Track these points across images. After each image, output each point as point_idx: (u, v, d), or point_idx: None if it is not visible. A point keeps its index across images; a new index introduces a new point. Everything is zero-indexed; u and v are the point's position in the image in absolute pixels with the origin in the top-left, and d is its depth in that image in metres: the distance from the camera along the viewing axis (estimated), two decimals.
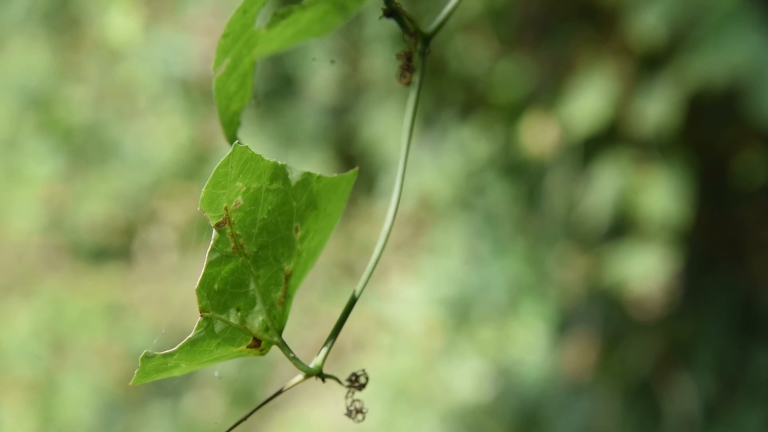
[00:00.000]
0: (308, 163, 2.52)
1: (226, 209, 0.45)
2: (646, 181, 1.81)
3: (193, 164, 2.87)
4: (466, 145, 2.39)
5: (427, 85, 2.35)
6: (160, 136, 2.88)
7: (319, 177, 0.51)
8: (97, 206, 2.83)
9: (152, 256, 2.92)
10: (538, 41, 2.00)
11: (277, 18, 0.57)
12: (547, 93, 1.97)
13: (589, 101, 1.83)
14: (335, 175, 0.52)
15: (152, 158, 2.87)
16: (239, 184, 0.46)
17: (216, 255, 0.46)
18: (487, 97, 2.24)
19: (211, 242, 0.46)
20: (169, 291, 2.79)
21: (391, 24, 0.59)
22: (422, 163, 2.52)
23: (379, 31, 2.37)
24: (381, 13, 0.57)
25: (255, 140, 2.61)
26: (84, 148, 2.78)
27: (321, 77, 2.40)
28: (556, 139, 1.94)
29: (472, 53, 2.20)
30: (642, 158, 1.82)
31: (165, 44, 2.69)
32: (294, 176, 0.49)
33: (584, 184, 1.90)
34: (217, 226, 0.46)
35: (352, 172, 0.53)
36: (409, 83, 0.57)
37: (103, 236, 2.87)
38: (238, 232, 0.46)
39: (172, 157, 2.88)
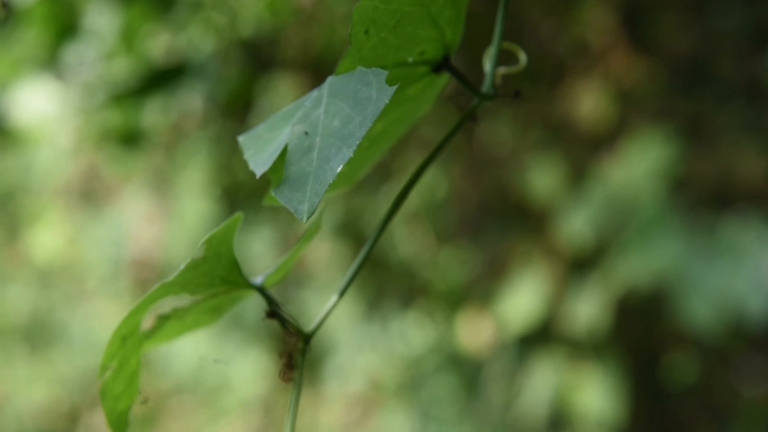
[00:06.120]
0: (247, 351, 2.53)
1: None
2: (581, 380, 1.83)
3: None
4: (409, 332, 2.42)
5: (369, 276, 2.39)
6: (108, 318, 2.88)
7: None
8: (40, 391, 2.80)
9: None
10: (473, 238, 2.06)
11: (161, 321, 0.60)
12: (482, 289, 2.02)
13: (522, 300, 1.87)
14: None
15: (99, 341, 2.86)
16: None
17: None
18: (428, 287, 2.28)
19: None
20: None
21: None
22: (367, 346, 2.54)
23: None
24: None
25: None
26: (28, 335, 2.77)
27: (263, 265, 2.44)
28: (491, 335, 1.97)
29: (412, 245, 2.25)
30: (576, 357, 1.85)
31: (111, 228, 2.72)
32: None
33: (521, 380, 1.92)
34: None
35: None
36: (290, 380, 0.59)
37: (46, 422, 2.83)
38: None
39: None
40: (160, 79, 1.68)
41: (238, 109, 1.97)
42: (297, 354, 0.59)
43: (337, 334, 2.61)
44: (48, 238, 2.58)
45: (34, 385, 2.75)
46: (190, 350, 2.67)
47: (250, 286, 0.58)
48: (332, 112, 0.54)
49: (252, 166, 0.53)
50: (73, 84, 1.87)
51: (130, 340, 0.58)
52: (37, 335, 2.79)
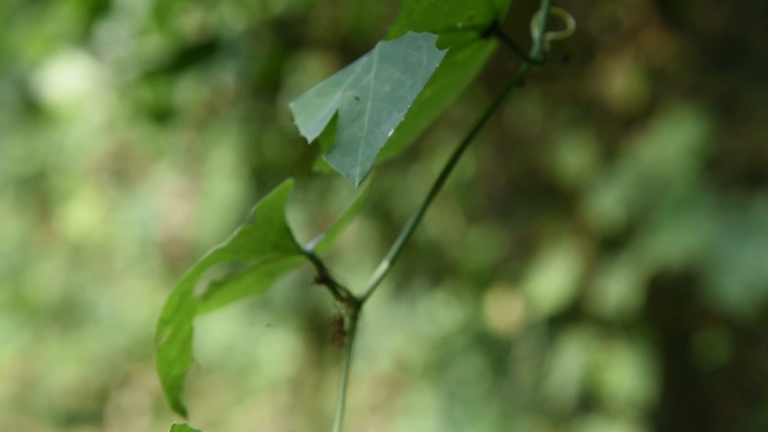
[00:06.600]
0: (278, 329, 2.53)
1: None
2: (611, 359, 1.83)
3: None
4: (436, 312, 2.42)
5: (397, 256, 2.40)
6: (137, 298, 2.90)
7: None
8: (70, 370, 2.82)
9: (125, 420, 2.90)
10: (502, 217, 2.05)
11: (214, 287, 0.60)
12: (511, 268, 2.02)
13: (552, 279, 1.86)
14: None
15: (128, 321, 2.88)
16: None
17: None
18: (457, 266, 2.28)
19: None
20: None
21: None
22: (395, 326, 2.54)
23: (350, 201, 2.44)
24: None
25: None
26: (58, 314, 2.79)
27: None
28: (521, 314, 1.97)
29: (441, 224, 2.25)
30: (606, 336, 1.85)
31: (141, 207, 2.74)
32: None
33: (550, 360, 1.92)
34: None
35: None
36: (342, 346, 0.60)
37: (75, 401, 2.85)
38: None
39: (148, 319, 2.90)
40: (192, 56, 1.68)
41: (267, 89, 1.98)
42: (348, 320, 0.60)
43: (364, 314, 2.61)
44: (80, 216, 2.60)
45: (64, 365, 2.77)
46: (218, 331, 2.69)
47: (301, 252, 0.58)
48: (382, 77, 0.54)
49: (303, 132, 0.53)
50: (106, 61, 1.87)
51: (183, 306, 0.58)
52: (67, 314, 2.81)
